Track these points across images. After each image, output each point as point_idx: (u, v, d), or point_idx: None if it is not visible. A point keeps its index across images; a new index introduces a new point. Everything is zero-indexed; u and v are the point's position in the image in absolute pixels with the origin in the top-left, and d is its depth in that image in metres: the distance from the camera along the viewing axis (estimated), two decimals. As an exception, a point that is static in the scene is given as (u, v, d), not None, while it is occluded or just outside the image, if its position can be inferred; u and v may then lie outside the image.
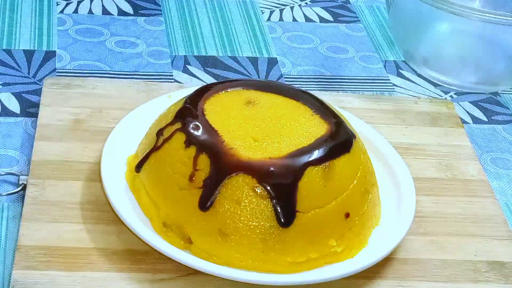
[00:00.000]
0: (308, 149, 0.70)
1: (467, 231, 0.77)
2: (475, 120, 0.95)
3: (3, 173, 0.78)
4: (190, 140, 0.70)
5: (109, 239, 0.70)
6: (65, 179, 0.75)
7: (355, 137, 0.73)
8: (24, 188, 0.74)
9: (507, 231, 0.77)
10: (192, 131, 0.70)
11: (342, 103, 0.89)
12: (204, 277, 0.67)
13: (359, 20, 1.11)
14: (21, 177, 0.76)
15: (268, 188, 0.67)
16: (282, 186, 0.68)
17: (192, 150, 0.69)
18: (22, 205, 0.73)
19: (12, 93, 0.89)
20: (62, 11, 1.04)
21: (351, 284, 0.69)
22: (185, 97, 0.76)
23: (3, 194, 0.75)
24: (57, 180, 0.75)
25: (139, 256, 0.69)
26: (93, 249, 0.69)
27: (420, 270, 0.72)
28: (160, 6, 1.08)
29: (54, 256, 0.68)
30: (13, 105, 0.87)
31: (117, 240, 0.70)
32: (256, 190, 0.67)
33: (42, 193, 0.73)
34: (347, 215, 0.70)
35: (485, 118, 0.95)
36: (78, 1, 1.07)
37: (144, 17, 1.05)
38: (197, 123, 0.71)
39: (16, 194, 0.75)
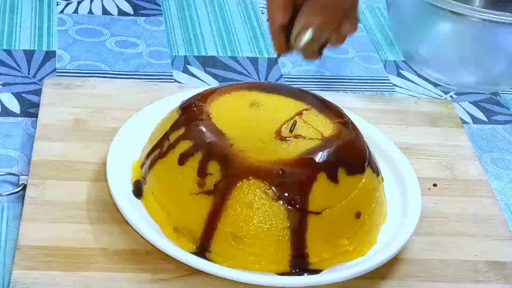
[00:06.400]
0: (317, 150, 0.70)
1: (467, 231, 0.77)
2: (475, 120, 0.95)
3: (3, 173, 0.77)
4: (199, 144, 0.69)
5: (109, 239, 0.70)
6: (65, 179, 0.75)
7: (370, 161, 0.73)
8: (24, 188, 0.74)
9: (507, 231, 0.77)
10: (199, 135, 0.70)
11: (342, 103, 0.89)
12: (204, 277, 0.67)
13: (359, 20, 1.10)
14: (21, 177, 0.76)
15: (281, 190, 0.67)
16: (294, 188, 0.67)
17: (201, 154, 0.68)
18: (22, 205, 0.73)
19: (12, 93, 0.89)
20: (62, 11, 1.04)
21: (351, 284, 0.69)
22: (188, 100, 0.75)
23: (3, 194, 0.75)
24: (57, 180, 0.75)
25: (139, 256, 0.69)
26: (93, 249, 0.69)
27: (420, 270, 0.72)
28: (160, 6, 1.08)
29: (54, 256, 0.68)
30: (13, 105, 0.87)
31: (117, 240, 0.70)
32: (268, 192, 0.67)
33: (42, 193, 0.73)
34: (358, 214, 0.70)
35: (485, 118, 0.95)
36: (78, 1, 1.07)
37: (144, 17, 1.05)
38: (204, 127, 0.70)
39: (16, 194, 0.75)
